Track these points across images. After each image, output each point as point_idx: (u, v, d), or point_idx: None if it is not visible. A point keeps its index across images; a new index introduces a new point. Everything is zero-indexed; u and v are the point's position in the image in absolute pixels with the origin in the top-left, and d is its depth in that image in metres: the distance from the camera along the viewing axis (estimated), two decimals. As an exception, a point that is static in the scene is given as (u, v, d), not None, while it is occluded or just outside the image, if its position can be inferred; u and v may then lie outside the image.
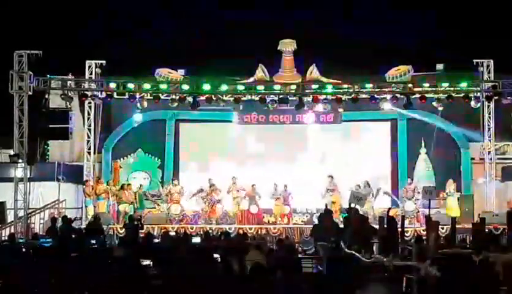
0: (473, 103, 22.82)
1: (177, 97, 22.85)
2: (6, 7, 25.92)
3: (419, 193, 22.66)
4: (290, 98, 23.02)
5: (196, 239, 14.76)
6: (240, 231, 20.32)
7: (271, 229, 22.03)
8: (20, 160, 21.59)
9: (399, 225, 16.17)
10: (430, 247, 11.58)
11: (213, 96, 22.75)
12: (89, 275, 7.58)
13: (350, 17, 28.79)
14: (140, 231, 18.63)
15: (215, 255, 11.12)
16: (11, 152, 22.13)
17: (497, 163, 25.04)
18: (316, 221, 19.60)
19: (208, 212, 23.12)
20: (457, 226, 18.23)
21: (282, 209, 23.31)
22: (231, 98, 23.10)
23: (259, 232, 21.58)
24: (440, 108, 23.06)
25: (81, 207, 23.77)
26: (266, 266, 8.43)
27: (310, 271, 14.28)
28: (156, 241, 17.04)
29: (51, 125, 25.33)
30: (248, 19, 27.84)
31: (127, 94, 22.99)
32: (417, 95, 22.70)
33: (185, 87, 22.91)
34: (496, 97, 23.01)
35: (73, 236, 16.35)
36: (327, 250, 14.46)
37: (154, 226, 20.79)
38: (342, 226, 16.42)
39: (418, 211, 22.61)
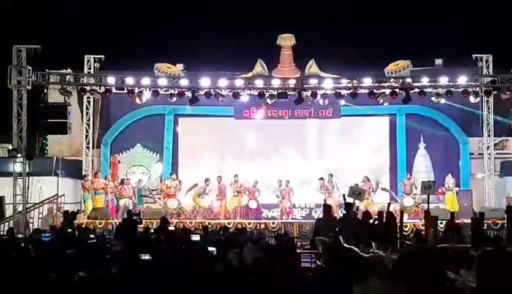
0: (472, 98, 22.84)
1: (176, 92, 22.85)
2: (4, 1, 25.87)
3: (417, 188, 22.72)
4: (289, 93, 23.02)
5: (196, 237, 14.70)
6: (239, 226, 20.29)
7: (269, 224, 22.02)
8: (19, 155, 21.58)
9: (397, 220, 16.16)
10: (428, 241, 11.59)
11: (212, 91, 22.73)
12: (88, 270, 7.57)
13: (349, 12, 28.75)
14: (139, 226, 18.59)
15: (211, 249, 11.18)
16: (10, 146, 22.13)
17: (496, 158, 25.07)
18: (315, 216, 19.70)
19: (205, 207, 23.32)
20: (455, 221, 18.25)
21: (285, 204, 23.39)
22: (230, 93, 23.08)
23: (258, 227, 21.57)
24: (442, 101, 23.04)
25: (80, 202, 23.76)
26: (265, 262, 8.42)
27: (309, 265, 14.29)
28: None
29: (49, 120, 25.31)
30: (248, 13, 27.83)
31: (125, 88, 22.98)
32: (416, 90, 22.70)
33: (184, 81, 22.90)
34: (495, 92, 23.02)
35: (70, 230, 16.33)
36: (326, 245, 14.45)
37: (152, 220, 20.73)
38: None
39: (417, 206, 22.61)
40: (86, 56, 24.82)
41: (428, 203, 18.54)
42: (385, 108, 24.45)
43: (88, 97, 24.82)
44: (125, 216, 19.03)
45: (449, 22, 27.72)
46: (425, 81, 22.81)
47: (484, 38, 26.17)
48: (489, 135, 24.83)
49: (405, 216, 19.88)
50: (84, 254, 9.82)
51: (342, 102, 23.53)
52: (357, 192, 18.52)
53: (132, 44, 27.21)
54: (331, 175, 23.52)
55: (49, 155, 25.29)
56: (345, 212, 16.61)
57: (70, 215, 18.22)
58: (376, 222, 14.75)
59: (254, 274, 7.30)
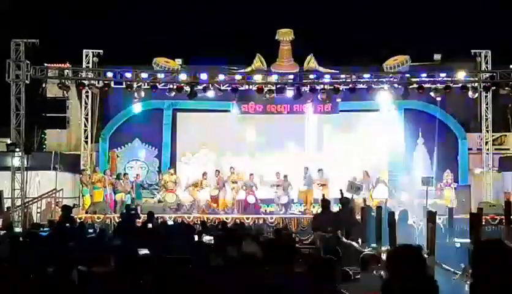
0: (470, 93, 22.85)
1: (175, 87, 22.85)
2: (4, 1, 25.83)
3: (413, 185, 22.80)
4: (288, 88, 23.02)
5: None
6: (238, 221, 20.31)
7: (268, 219, 22.01)
8: (17, 149, 21.58)
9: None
10: (427, 237, 11.60)
11: (210, 85, 22.73)
12: (87, 264, 7.59)
13: (348, 7, 28.71)
14: (137, 220, 18.60)
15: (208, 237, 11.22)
16: (9, 141, 22.13)
17: (494, 153, 25.09)
18: (314, 211, 19.73)
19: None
20: (454, 216, 18.29)
21: (281, 198, 23.37)
22: (229, 88, 23.09)
23: (256, 222, 21.58)
24: (438, 99, 23.10)
25: (78, 197, 23.76)
26: (263, 256, 8.43)
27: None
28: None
29: (48, 114, 25.34)
30: (247, 8, 27.80)
31: (124, 83, 22.97)
32: (415, 86, 22.69)
33: (183, 76, 22.90)
34: (493, 88, 23.05)
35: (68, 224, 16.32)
36: (324, 239, 14.49)
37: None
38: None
39: (413, 202, 22.60)
40: (84, 50, 24.76)
41: (426, 198, 18.58)
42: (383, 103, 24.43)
43: (87, 92, 24.76)
44: (123, 211, 19.06)
45: (448, 17, 27.68)
46: (423, 76, 22.81)
47: (483, 33, 26.14)
48: (487, 131, 24.84)
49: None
50: (83, 248, 9.83)
51: (339, 99, 23.56)
52: (355, 187, 18.62)
53: (131, 38, 27.14)
54: (321, 170, 23.54)
55: (48, 150, 25.27)
56: (340, 206, 16.69)
57: (65, 210, 18.22)
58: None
59: (251, 268, 7.31)
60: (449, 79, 22.66)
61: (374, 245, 13.03)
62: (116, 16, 28.14)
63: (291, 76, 23.22)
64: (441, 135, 25.07)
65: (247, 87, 23.50)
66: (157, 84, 22.87)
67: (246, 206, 23.22)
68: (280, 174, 23.67)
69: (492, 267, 4.02)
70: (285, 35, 23.86)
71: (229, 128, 25.85)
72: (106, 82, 23.20)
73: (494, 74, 22.74)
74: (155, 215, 20.77)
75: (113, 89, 23.67)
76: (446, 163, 24.26)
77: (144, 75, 22.79)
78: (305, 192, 23.45)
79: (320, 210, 18.40)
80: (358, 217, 17.73)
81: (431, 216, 12.63)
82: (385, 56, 23.28)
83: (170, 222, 18.49)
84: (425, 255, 9.67)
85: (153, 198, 24.14)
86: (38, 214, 22.57)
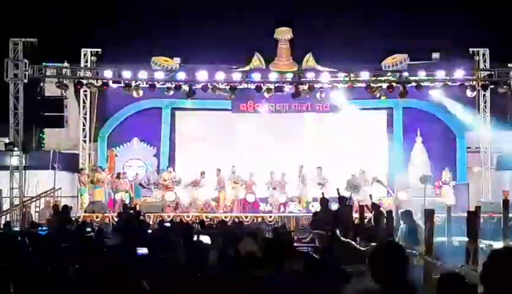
0: (468, 91, 22.87)
1: (173, 86, 22.87)
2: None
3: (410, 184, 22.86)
4: (286, 87, 23.03)
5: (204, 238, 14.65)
6: (236, 220, 20.30)
7: (266, 218, 22.01)
8: (15, 148, 21.59)
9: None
10: (425, 235, 11.61)
11: (209, 84, 22.74)
12: (85, 262, 7.58)
13: (347, 5, 28.68)
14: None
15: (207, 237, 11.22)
16: (7, 140, 22.13)
17: (493, 152, 25.09)
18: (313, 210, 19.73)
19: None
20: (452, 214, 18.27)
21: (279, 197, 23.34)
22: (227, 87, 23.09)
23: (255, 221, 21.58)
24: (435, 95, 23.14)
25: (77, 196, 23.75)
26: (261, 255, 8.43)
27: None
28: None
29: (46, 114, 25.33)
30: (245, 6, 27.76)
31: (122, 82, 22.98)
32: (413, 84, 22.71)
33: (181, 75, 22.91)
34: (492, 86, 23.07)
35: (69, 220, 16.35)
36: (323, 238, 14.50)
37: (149, 214, 20.74)
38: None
39: (410, 201, 22.62)
40: (82, 49, 24.76)
41: (425, 196, 18.57)
42: (382, 102, 24.45)
43: (85, 91, 24.78)
44: (121, 210, 19.05)
45: (446, 15, 27.65)
46: (422, 75, 22.83)
47: (481, 32, 26.13)
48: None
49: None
50: (81, 247, 9.82)
51: (334, 93, 23.55)
52: (354, 186, 18.62)
53: (129, 37, 27.10)
54: (320, 168, 23.51)
55: (46, 149, 25.25)
56: (338, 205, 16.67)
57: (62, 211, 18.22)
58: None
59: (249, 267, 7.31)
60: (448, 77, 22.70)
61: (373, 244, 13.03)
62: (115, 14, 28.09)
63: (290, 75, 23.22)
64: (440, 134, 25.10)
65: (245, 86, 23.51)
66: (155, 83, 22.87)
67: (245, 204, 23.21)
68: (277, 174, 23.64)
69: (505, 276, 3.95)
70: (284, 34, 23.87)
71: (228, 127, 25.86)
72: (104, 81, 23.21)
73: (492, 72, 22.79)
74: (154, 214, 20.95)
75: (111, 88, 23.68)
76: (444, 162, 24.28)
77: (142, 74, 22.80)
78: (299, 190, 23.46)
79: (318, 208, 18.42)
80: (356, 215, 17.73)
81: (429, 214, 12.63)
82: (384, 55, 23.28)
83: (168, 221, 18.45)
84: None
85: (151, 197, 24.13)
86: (37, 213, 22.56)
